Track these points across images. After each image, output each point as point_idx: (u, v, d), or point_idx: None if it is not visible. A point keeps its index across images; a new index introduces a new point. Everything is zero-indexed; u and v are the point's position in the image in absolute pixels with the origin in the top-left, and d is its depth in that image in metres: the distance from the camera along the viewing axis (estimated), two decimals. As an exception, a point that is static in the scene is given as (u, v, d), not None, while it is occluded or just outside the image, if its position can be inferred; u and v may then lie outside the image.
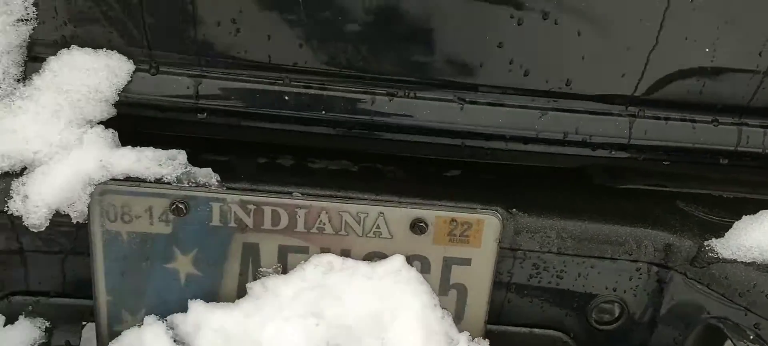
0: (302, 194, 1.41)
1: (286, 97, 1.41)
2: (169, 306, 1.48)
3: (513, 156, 1.56)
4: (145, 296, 1.47)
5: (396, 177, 1.55)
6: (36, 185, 1.31)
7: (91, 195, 1.33)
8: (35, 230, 1.34)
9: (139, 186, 1.36)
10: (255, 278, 1.47)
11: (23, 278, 1.47)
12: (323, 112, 1.43)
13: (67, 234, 1.43)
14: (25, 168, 1.34)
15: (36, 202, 1.31)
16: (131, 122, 1.41)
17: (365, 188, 1.45)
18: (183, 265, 1.45)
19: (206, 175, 1.38)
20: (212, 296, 1.48)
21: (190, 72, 1.39)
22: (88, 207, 1.35)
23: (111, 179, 1.34)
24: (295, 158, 1.56)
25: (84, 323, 1.53)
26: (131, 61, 1.36)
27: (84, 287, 1.50)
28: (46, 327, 1.49)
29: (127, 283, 1.45)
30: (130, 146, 1.36)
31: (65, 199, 1.32)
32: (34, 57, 1.34)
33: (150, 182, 1.36)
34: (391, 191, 1.46)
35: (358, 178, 1.52)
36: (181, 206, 1.37)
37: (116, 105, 1.38)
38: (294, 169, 1.53)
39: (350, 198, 1.42)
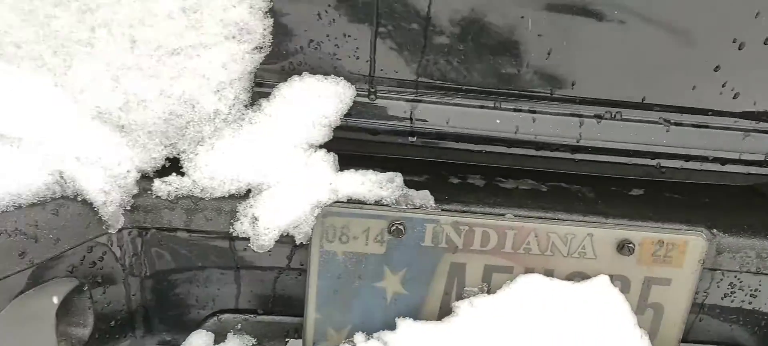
0: (514, 216, 1.43)
1: (498, 120, 1.43)
2: (373, 324, 1.52)
3: (705, 176, 1.56)
4: (351, 313, 1.50)
5: (586, 197, 1.57)
6: (267, 208, 1.34)
7: (317, 217, 1.37)
8: (261, 252, 1.37)
9: (361, 208, 1.39)
10: (459, 297, 1.50)
11: (234, 296, 1.51)
12: (532, 134, 1.45)
13: (280, 254, 1.46)
14: (250, 191, 1.38)
15: (266, 224, 1.34)
16: (344, 146, 1.43)
17: (568, 208, 1.47)
18: (391, 284, 1.48)
19: (423, 197, 1.41)
20: (415, 314, 1.51)
21: (407, 97, 1.42)
22: (312, 228, 1.38)
23: (336, 202, 1.38)
24: (485, 178, 1.58)
25: (287, 339, 1.57)
26: (354, 87, 1.38)
27: (289, 305, 1.54)
28: (253, 344, 1.53)
29: (337, 301, 1.48)
30: (353, 169, 1.39)
31: (293, 221, 1.36)
32: (260, 83, 1.38)
33: (370, 204, 1.40)
34: (594, 212, 1.47)
35: (550, 198, 1.54)
36: (400, 226, 1.40)
37: (335, 129, 1.41)
38: (486, 189, 1.55)
39: (560, 219, 1.44)
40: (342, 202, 1.38)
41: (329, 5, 1.30)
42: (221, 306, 1.52)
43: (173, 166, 1.39)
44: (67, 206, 1.26)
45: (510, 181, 1.58)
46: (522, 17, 1.30)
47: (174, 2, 1.21)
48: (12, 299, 1.21)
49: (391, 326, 1.50)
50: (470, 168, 1.59)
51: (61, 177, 1.26)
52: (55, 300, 1.24)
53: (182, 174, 1.37)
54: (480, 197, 1.48)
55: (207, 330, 1.51)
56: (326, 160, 1.39)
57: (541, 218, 1.44)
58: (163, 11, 1.22)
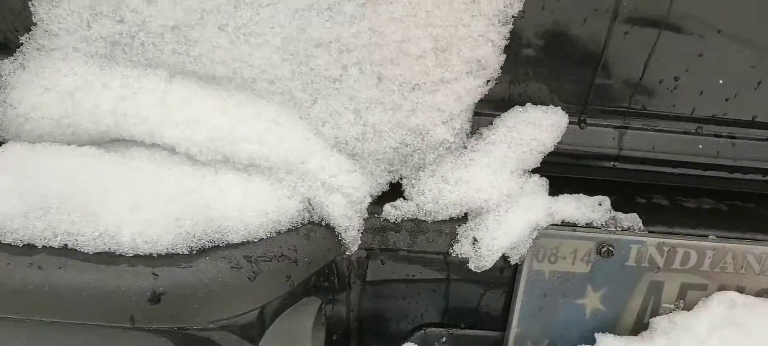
0: (716, 236, 1.51)
1: (700, 146, 1.50)
2: (570, 338, 1.60)
3: None
4: (550, 328, 1.59)
5: (760, 215, 1.63)
6: (489, 231, 1.43)
7: (534, 239, 1.45)
8: (479, 271, 1.46)
9: (574, 230, 1.47)
10: (655, 314, 1.57)
11: (441, 311, 1.60)
12: (731, 159, 1.52)
13: (487, 272, 1.54)
14: (466, 214, 1.46)
15: (489, 246, 1.43)
16: (549, 169, 1.51)
17: (760, 228, 1.54)
18: (592, 301, 1.56)
19: (632, 219, 1.49)
20: (610, 329, 1.59)
21: (615, 124, 1.49)
22: (527, 249, 1.46)
23: (551, 224, 1.46)
24: (667, 197, 1.65)
25: (485, 352, 1.66)
26: (567, 115, 1.46)
27: (488, 319, 1.62)
28: (455, 356, 1.63)
29: (539, 317, 1.57)
30: (566, 194, 1.47)
31: (512, 243, 1.44)
32: (479, 113, 1.46)
33: (582, 227, 1.48)
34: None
35: (734, 216, 1.60)
36: (610, 248, 1.48)
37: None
38: (673, 209, 1.62)
39: (756, 239, 1.52)
40: (556, 224, 1.46)
41: (559, 40, 1.38)
42: (428, 320, 1.61)
43: (391, 190, 1.48)
44: (315, 230, 1.35)
45: (691, 200, 1.65)
46: (740, 52, 1.37)
47: (427, 43, 1.29)
48: (276, 317, 1.31)
49: (589, 341, 1.58)
50: (652, 187, 1.66)
51: (310, 204, 1.36)
52: (311, 319, 1.34)
53: (405, 198, 1.45)
54: (676, 218, 1.56)
55: (414, 343, 1.61)
56: (540, 185, 1.47)
57: (739, 238, 1.51)
58: (416, 52, 1.30)
